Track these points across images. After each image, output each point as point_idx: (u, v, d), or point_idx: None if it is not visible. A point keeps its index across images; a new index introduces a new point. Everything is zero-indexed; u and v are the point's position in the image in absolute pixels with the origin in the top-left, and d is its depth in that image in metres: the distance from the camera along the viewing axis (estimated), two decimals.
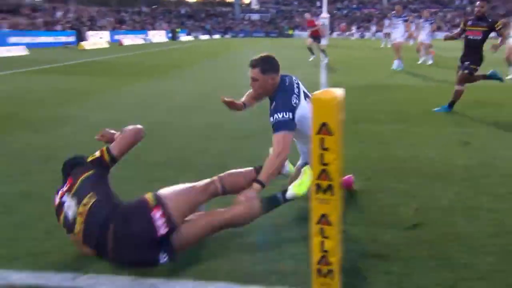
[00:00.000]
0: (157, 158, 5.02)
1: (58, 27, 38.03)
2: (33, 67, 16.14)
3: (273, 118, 3.09)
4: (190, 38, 54.01)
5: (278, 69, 3.28)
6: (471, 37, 7.42)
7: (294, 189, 2.98)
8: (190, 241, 2.75)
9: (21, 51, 22.81)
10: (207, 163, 4.78)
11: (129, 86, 11.53)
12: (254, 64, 3.20)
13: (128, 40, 37.86)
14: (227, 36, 64.57)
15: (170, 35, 51.23)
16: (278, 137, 3.04)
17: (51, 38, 32.62)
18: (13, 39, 26.87)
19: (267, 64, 3.21)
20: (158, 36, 48.48)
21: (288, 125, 3.06)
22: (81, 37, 33.50)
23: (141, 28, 52.88)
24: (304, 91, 3.40)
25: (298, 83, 3.38)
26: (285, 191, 3.01)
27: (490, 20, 7.39)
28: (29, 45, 25.35)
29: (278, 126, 3.06)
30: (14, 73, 14.31)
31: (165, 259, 2.61)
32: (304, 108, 3.19)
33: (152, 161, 4.90)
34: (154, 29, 53.54)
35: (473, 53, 7.39)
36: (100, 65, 18.00)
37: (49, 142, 5.76)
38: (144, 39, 42.22)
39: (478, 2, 7.49)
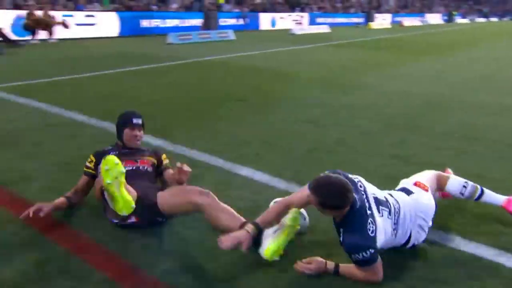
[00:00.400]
0: (443, 128, 4.96)
1: (352, 10, 39.43)
2: (333, 42, 17.51)
3: (352, 258, 2.08)
4: (465, 21, 49.02)
5: (343, 206, 2.06)
6: None
7: (266, 254, 2.16)
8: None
9: (325, 29, 24.75)
10: (494, 139, 4.55)
11: (414, 61, 11.55)
12: (311, 187, 2.09)
13: (408, 21, 36.92)
14: (504, 19, 55.91)
15: (446, 17, 47.38)
16: (363, 270, 2.11)
17: (346, 19, 34.21)
18: (319, 19, 29.40)
19: (328, 200, 2.06)
20: (434, 18, 45.54)
21: (371, 260, 2.06)
22: (370, 18, 34.10)
23: (419, 11, 50.35)
24: (375, 198, 2.23)
25: (367, 197, 2.19)
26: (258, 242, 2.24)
27: None
28: (330, 25, 27.21)
29: (360, 265, 2.09)
30: (321, 46, 15.82)
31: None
32: (382, 229, 2.15)
33: (440, 131, 4.87)
34: (431, 12, 50.32)
35: None
36: (386, 42, 18.29)
37: (353, 102, 6.35)
38: (421, 21, 40.51)
39: None
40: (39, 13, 14.09)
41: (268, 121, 5.21)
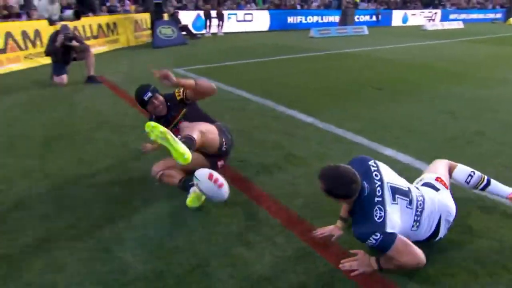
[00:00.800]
0: None
1: (489, 6, 34.01)
2: (468, 38, 15.42)
3: (368, 246, 1.88)
4: None
5: (349, 195, 1.91)
6: None
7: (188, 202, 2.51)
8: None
9: (459, 25, 21.91)
10: None
11: None
12: (320, 175, 1.94)
13: None
14: None
15: None
16: (391, 254, 1.86)
17: (482, 15, 29.69)
18: (452, 16, 26.05)
19: (334, 189, 1.91)
20: None
21: (387, 241, 1.83)
22: (509, 14, 29.06)
23: None
24: (391, 187, 1.98)
25: (381, 186, 1.96)
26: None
27: None
28: (464, 21, 23.96)
29: (382, 249, 1.85)
30: (455, 41, 14.11)
31: None
32: (395, 216, 1.91)
33: None
34: None
35: None
36: None
37: (491, 96, 5.58)
38: None
39: None
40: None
41: (405, 109, 4.90)
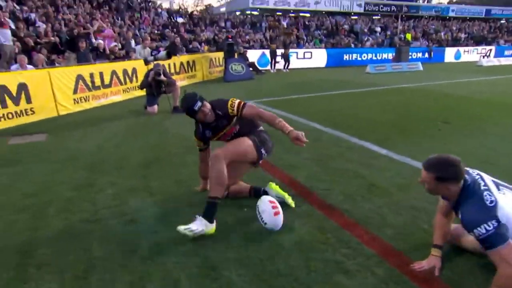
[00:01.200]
0: None
1: None
2: None
3: (475, 234, 1.67)
4: None
5: (459, 177, 1.77)
6: None
7: None
8: None
9: None
10: None
11: None
12: (426, 167, 1.84)
13: None
14: None
15: None
16: (493, 256, 1.64)
17: None
18: (508, 52, 24.16)
19: (443, 171, 1.78)
20: None
21: (498, 238, 1.61)
22: None
23: None
24: (493, 181, 1.84)
25: (481, 177, 1.83)
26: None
27: None
28: None
29: (486, 244, 1.64)
30: None
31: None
32: (505, 199, 1.71)
33: None
34: None
35: None
36: None
37: None
38: None
39: None
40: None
41: (479, 142, 4.50)
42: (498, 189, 1.77)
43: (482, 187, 1.75)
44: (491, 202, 1.68)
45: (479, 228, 1.64)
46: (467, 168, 1.90)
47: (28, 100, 6.22)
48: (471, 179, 1.81)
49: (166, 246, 2.36)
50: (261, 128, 2.87)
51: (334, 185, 3.25)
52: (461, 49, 22.98)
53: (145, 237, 2.46)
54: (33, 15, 10.21)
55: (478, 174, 1.86)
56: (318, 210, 2.78)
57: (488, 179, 1.84)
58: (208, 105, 2.66)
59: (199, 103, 2.61)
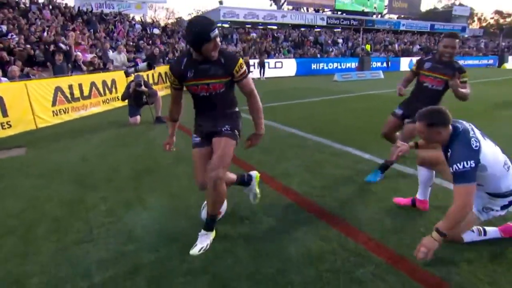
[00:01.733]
0: None
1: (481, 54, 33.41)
2: (475, 80, 14.99)
3: (453, 168, 1.90)
4: None
5: (446, 122, 1.99)
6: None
7: None
8: None
9: None
10: None
11: None
12: (418, 118, 2.05)
13: None
14: None
15: None
16: (458, 189, 1.87)
17: (477, 61, 29.17)
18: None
19: (432, 118, 2.00)
20: None
21: (469, 176, 1.85)
22: (502, 61, 28.47)
23: None
24: (481, 133, 2.09)
25: (472, 128, 2.06)
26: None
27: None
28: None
29: (457, 178, 1.87)
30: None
31: None
32: (488, 147, 1.98)
33: None
34: None
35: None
36: None
37: None
38: None
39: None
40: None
41: None
42: (483, 137, 2.03)
43: (471, 135, 1.97)
44: (476, 146, 1.91)
45: (458, 164, 1.86)
46: (462, 121, 2.09)
47: (4, 113, 5.68)
48: (463, 127, 2.02)
49: (170, 264, 2.14)
50: (237, 108, 2.46)
51: (327, 191, 3.14)
52: (414, 59, 24.01)
53: (147, 257, 2.22)
54: (4, 27, 9.48)
55: (470, 125, 2.07)
56: (317, 218, 2.66)
57: (477, 131, 2.06)
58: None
59: (216, 31, 2.00)
